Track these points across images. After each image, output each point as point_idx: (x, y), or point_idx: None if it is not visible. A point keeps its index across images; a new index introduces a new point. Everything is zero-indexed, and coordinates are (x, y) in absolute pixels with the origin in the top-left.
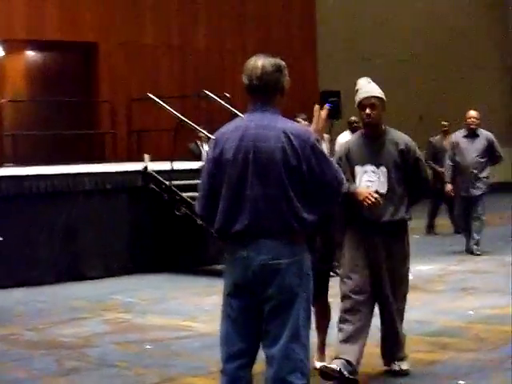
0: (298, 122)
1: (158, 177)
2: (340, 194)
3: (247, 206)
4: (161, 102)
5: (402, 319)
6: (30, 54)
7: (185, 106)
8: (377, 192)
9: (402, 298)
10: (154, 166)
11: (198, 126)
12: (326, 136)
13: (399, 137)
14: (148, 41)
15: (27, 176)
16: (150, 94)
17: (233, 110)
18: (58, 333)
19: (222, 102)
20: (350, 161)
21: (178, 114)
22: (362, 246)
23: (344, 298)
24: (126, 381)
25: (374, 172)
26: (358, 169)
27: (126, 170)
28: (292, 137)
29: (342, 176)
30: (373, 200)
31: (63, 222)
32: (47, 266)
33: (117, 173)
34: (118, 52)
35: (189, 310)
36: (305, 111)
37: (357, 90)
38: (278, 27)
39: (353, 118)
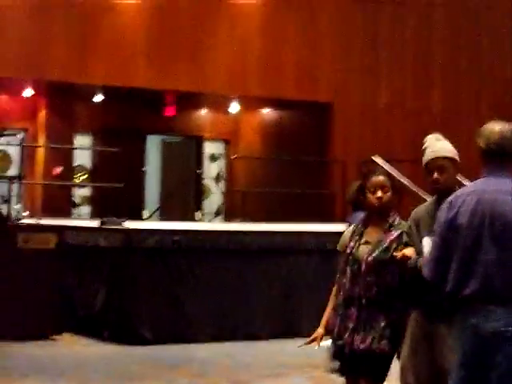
0: None
1: None
2: None
3: (480, 270)
4: (383, 165)
5: None
6: (266, 111)
7: (417, 170)
8: None
9: None
10: None
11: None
12: None
13: None
14: (382, 102)
15: (251, 232)
16: (374, 157)
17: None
18: None
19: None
20: (419, 230)
21: (403, 178)
22: (423, 334)
23: None
24: None
25: None
26: (426, 239)
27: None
28: None
29: None
30: None
31: (281, 279)
32: (263, 321)
33: (337, 233)
34: (353, 113)
35: None
36: None
37: (424, 150)
38: None
39: None
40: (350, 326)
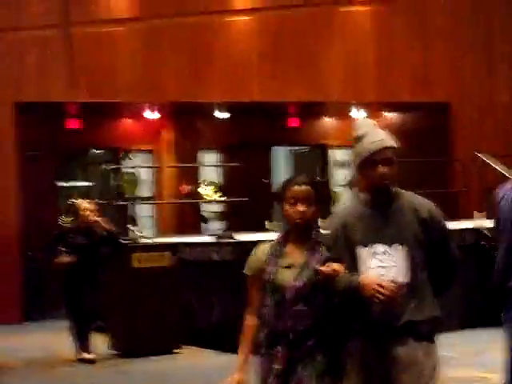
0: None
1: (488, 234)
2: None
3: None
4: (490, 163)
5: None
6: (387, 114)
7: None
8: (393, 282)
9: None
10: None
11: None
12: None
13: (418, 201)
14: (501, 100)
15: None
16: (478, 154)
17: None
18: None
19: None
20: (348, 240)
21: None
22: (371, 367)
23: None
24: None
25: (386, 254)
26: (361, 251)
27: (458, 227)
28: None
29: None
30: (387, 292)
31: None
32: None
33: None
34: (470, 112)
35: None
36: None
37: (360, 137)
38: None
39: None
40: (276, 367)
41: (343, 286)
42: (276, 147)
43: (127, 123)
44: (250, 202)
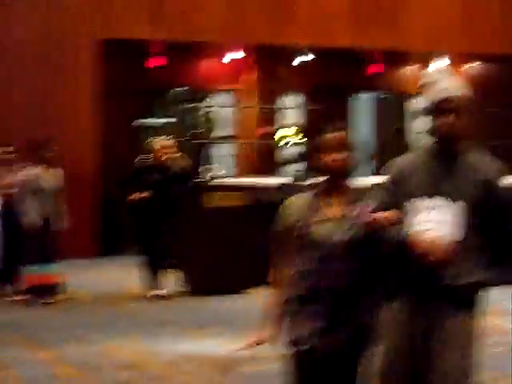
0: None
1: None
2: None
3: None
4: None
5: None
6: (471, 65)
7: None
8: (442, 238)
9: None
10: None
11: None
12: None
13: (485, 162)
14: None
15: None
16: None
17: None
18: None
19: None
20: (404, 189)
21: None
22: (408, 326)
23: None
24: None
25: (439, 208)
26: (415, 202)
27: None
28: None
29: None
30: (438, 254)
31: None
32: None
33: None
34: None
35: None
36: None
37: (429, 85)
38: None
39: None
40: (317, 326)
41: (392, 236)
42: (358, 93)
43: (210, 63)
44: None
